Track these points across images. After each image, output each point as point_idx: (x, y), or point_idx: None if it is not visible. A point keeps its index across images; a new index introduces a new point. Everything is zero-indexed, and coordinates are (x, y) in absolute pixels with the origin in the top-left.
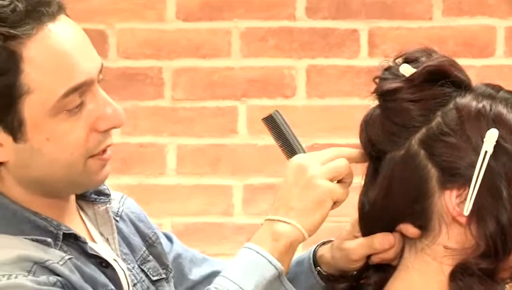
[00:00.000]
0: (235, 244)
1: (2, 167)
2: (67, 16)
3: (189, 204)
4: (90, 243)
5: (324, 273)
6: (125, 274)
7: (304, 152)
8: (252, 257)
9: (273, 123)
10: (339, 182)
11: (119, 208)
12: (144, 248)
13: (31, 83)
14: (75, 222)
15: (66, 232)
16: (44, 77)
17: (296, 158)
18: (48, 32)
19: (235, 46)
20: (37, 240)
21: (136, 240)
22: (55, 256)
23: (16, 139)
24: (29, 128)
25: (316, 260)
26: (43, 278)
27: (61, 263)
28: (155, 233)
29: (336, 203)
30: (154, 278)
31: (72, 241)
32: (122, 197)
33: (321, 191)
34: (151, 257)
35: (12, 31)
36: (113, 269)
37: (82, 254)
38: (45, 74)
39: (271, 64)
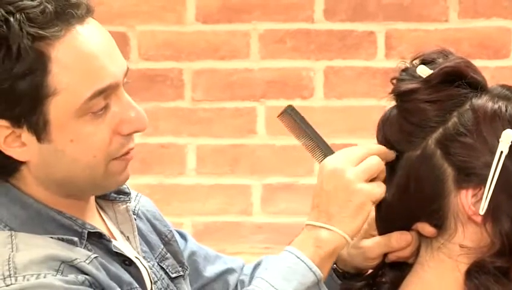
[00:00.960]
0: (254, 243)
1: (24, 166)
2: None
3: (209, 203)
4: (114, 242)
5: (340, 271)
6: (147, 272)
7: (329, 148)
8: (293, 261)
9: (290, 120)
10: (372, 180)
11: (135, 206)
12: (162, 246)
13: (58, 84)
14: (96, 221)
15: (91, 231)
16: (72, 79)
17: (329, 162)
18: (76, 34)
19: (253, 47)
20: (62, 239)
21: (154, 238)
22: (81, 255)
23: (40, 139)
24: (54, 129)
25: None
26: (72, 277)
27: (88, 261)
28: (170, 231)
29: (374, 203)
30: (173, 276)
31: (96, 239)
32: (137, 196)
33: (361, 195)
34: (169, 255)
35: (41, 32)
36: (137, 267)
37: (106, 252)
38: (72, 76)
39: (289, 66)
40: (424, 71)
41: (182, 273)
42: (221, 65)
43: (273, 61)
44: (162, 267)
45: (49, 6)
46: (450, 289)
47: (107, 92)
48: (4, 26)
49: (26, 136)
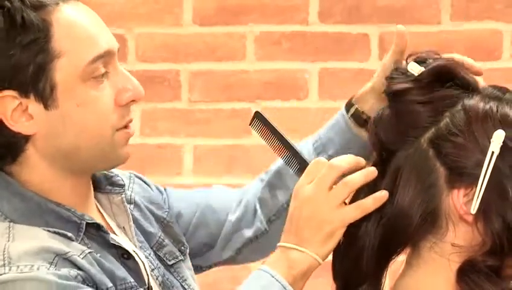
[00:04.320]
0: None
1: (30, 145)
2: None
3: None
4: (111, 234)
5: (363, 116)
6: (144, 264)
7: (298, 153)
8: (268, 280)
9: (260, 126)
10: (354, 194)
11: (130, 195)
12: (160, 233)
13: (61, 48)
14: (94, 213)
15: (90, 221)
16: (73, 42)
17: (303, 189)
18: (72, 5)
19: (249, 49)
20: (58, 233)
21: (151, 226)
22: (76, 249)
23: (47, 106)
24: (60, 93)
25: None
26: (64, 271)
27: (81, 256)
28: (168, 212)
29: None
30: (170, 263)
31: (94, 232)
32: (130, 182)
33: (332, 223)
34: (166, 241)
35: (41, 0)
36: (135, 261)
37: (104, 245)
38: (73, 39)
39: (285, 67)
40: (415, 68)
41: (180, 257)
42: (218, 67)
43: (269, 62)
44: (158, 256)
45: None
46: (442, 288)
47: (105, 57)
48: (6, 0)
49: (33, 106)
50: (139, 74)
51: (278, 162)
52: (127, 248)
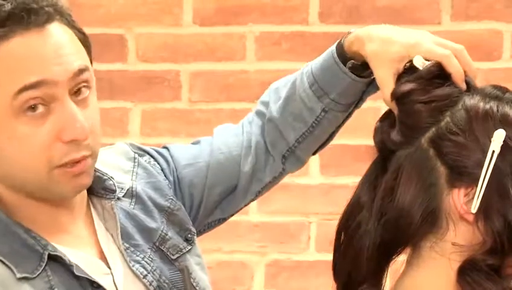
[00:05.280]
0: (250, 241)
1: None
2: (69, 21)
3: None
4: (82, 260)
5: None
6: (116, 288)
7: None
8: None
9: None
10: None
11: (132, 185)
12: (163, 226)
13: None
14: (79, 224)
15: (52, 253)
16: (3, 74)
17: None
18: (22, 37)
19: (249, 49)
20: (12, 269)
21: (154, 220)
22: None
23: None
24: None
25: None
26: None
27: None
28: (172, 199)
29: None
30: (174, 257)
31: (60, 261)
32: (134, 166)
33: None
34: (170, 233)
35: None
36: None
37: (70, 274)
38: (4, 71)
39: (284, 68)
40: (420, 61)
41: (187, 248)
42: (218, 67)
43: (269, 63)
44: (161, 251)
45: (7, 6)
46: (442, 287)
47: (38, 88)
48: None
49: None
50: (139, 74)
51: (277, 92)
52: (94, 277)
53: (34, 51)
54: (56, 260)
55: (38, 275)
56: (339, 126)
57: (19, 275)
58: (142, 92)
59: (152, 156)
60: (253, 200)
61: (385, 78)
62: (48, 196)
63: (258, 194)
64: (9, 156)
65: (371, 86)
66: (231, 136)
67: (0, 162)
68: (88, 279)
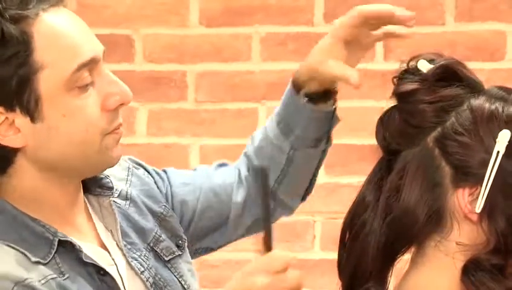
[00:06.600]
0: (256, 240)
1: (20, 154)
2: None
3: None
4: (88, 249)
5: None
6: (121, 278)
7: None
8: None
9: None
10: None
11: (127, 190)
12: (156, 228)
13: (44, 59)
14: (81, 216)
15: (62, 239)
16: (56, 53)
17: (250, 267)
18: (52, 15)
19: (255, 50)
20: (25, 254)
21: (148, 222)
22: (37, 274)
23: (33, 119)
24: (46, 105)
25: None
26: None
27: (43, 281)
28: (165, 206)
29: None
30: (167, 258)
31: (68, 248)
32: (128, 175)
33: None
34: (163, 236)
35: (20, 12)
36: (111, 277)
37: (78, 262)
38: (56, 50)
39: (290, 68)
40: (424, 66)
41: (177, 252)
42: (224, 67)
43: (274, 63)
44: (155, 251)
45: None
46: (446, 286)
47: (90, 65)
48: None
49: (20, 119)
50: (146, 75)
51: (254, 137)
52: (101, 264)
53: (72, 28)
54: (65, 247)
55: (49, 261)
56: (318, 165)
57: (33, 259)
58: (149, 92)
59: (147, 170)
60: (244, 236)
61: (335, 64)
62: (90, 171)
63: (250, 230)
64: (66, 133)
65: (334, 119)
66: (226, 168)
67: (52, 145)
68: (95, 266)
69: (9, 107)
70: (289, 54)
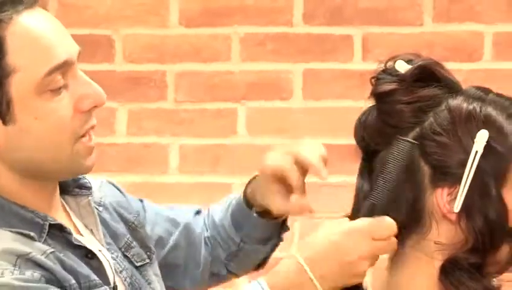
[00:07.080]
0: None
1: None
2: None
3: (191, 201)
4: (75, 235)
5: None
6: (110, 264)
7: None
8: None
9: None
10: None
11: (101, 198)
12: (128, 235)
13: (16, 63)
14: (60, 215)
15: (52, 223)
16: (29, 56)
17: (355, 228)
18: (26, 17)
19: (234, 50)
20: (21, 233)
21: (120, 228)
22: (38, 249)
23: (4, 121)
24: (17, 107)
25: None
26: (28, 274)
27: (44, 255)
28: (137, 217)
29: None
30: (138, 264)
31: (57, 233)
32: (101, 186)
33: (356, 278)
34: (134, 243)
35: None
36: (99, 260)
37: (68, 245)
38: (29, 54)
39: (269, 68)
40: (402, 66)
41: (147, 260)
42: (203, 67)
43: (253, 63)
44: (126, 257)
45: None
46: (425, 285)
47: (63, 68)
48: None
49: None
50: (126, 75)
51: (213, 214)
52: (90, 247)
53: (47, 30)
54: (54, 232)
55: (42, 243)
56: (272, 251)
57: (32, 234)
58: (129, 92)
59: (120, 190)
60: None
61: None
62: (63, 175)
63: (222, 278)
64: (37, 135)
65: (284, 227)
66: (200, 217)
67: (24, 147)
68: (83, 249)
69: None
70: (268, 54)
